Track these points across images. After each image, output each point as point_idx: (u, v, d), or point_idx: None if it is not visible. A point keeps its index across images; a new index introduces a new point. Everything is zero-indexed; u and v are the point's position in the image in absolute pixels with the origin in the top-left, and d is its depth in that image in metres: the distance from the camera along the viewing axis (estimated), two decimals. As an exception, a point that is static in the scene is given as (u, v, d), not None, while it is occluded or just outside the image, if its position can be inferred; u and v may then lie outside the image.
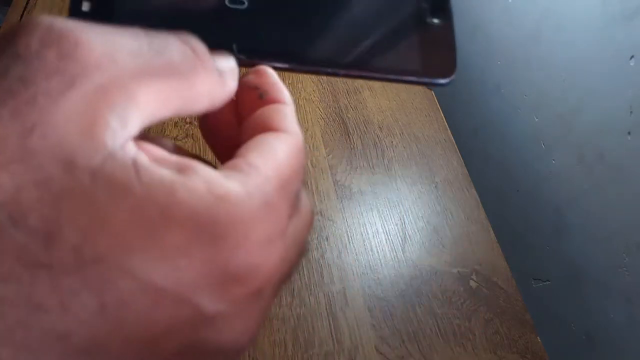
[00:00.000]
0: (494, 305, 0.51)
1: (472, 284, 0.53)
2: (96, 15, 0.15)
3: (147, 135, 0.14)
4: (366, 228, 0.55)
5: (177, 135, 0.59)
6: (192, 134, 0.59)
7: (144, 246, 0.11)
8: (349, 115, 0.66)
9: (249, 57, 0.16)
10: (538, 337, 0.50)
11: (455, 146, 0.65)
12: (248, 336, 0.13)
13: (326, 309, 0.48)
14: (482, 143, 0.80)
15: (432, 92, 0.73)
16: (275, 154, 0.14)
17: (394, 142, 0.64)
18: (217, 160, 0.17)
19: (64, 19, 0.12)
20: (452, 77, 0.18)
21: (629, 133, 0.53)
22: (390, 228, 0.55)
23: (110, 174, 0.11)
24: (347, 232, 0.54)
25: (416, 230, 0.56)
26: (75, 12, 0.15)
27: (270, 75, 0.16)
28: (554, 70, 0.64)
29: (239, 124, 0.17)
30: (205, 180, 0.12)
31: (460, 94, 0.85)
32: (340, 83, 0.69)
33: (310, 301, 0.48)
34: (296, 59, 0.17)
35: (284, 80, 0.16)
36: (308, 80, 0.68)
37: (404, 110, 0.68)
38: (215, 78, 0.14)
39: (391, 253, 0.53)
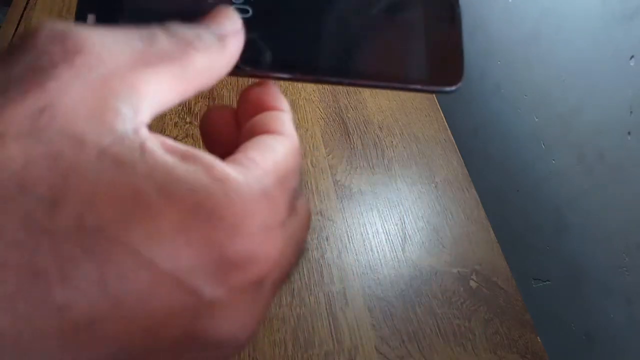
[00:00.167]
0: (494, 305, 0.51)
1: (472, 284, 0.53)
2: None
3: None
4: (366, 228, 0.55)
5: (177, 135, 0.59)
6: (192, 134, 0.59)
7: (142, 222, 0.11)
8: (349, 115, 0.66)
9: (253, 68, 0.17)
10: (538, 337, 0.50)
11: (455, 146, 0.65)
12: (247, 333, 0.13)
13: (326, 309, 0.48)
14: (482, 143, 0.80)
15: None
16: (273, 152, 0.15)
17: (394, 142, 0.64)
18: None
19: (65, 22, 0.13)
20: (459, 84, 0.18)
21: (629, 133, 0.53)
22: (390, 228, 0.55)
23: (116, 152, 0.11)
24: (347, 232, 0.54)
25: (416, 230, 0.56)
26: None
27: (271, 87, 0.18)
28: (554, 70, 0.64)
29: (238, 129, 0.17)
30: (205, 164, 0.12)
31: (460, 94, 0.85)
32: (340, 83, 0.69)
33: (310, 301, 0.48)
34: (301, 69, 0.17)
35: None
36: (308, 80, 0.68)
37: (404, 110, 0.68)
38: (211, 50, 0.14)
39: (391, 253, 0.53)
